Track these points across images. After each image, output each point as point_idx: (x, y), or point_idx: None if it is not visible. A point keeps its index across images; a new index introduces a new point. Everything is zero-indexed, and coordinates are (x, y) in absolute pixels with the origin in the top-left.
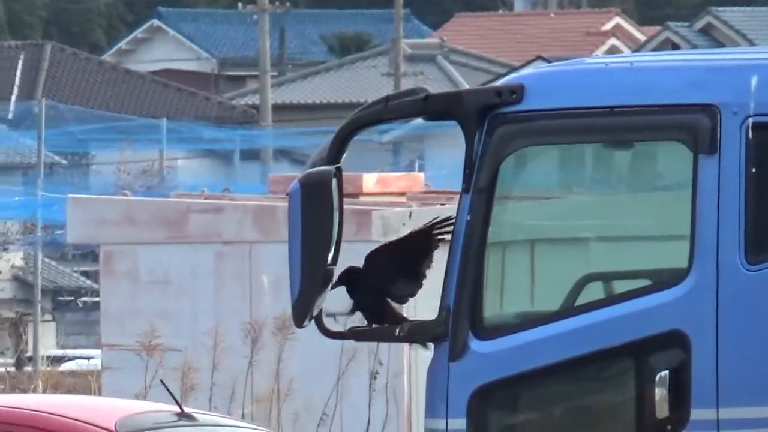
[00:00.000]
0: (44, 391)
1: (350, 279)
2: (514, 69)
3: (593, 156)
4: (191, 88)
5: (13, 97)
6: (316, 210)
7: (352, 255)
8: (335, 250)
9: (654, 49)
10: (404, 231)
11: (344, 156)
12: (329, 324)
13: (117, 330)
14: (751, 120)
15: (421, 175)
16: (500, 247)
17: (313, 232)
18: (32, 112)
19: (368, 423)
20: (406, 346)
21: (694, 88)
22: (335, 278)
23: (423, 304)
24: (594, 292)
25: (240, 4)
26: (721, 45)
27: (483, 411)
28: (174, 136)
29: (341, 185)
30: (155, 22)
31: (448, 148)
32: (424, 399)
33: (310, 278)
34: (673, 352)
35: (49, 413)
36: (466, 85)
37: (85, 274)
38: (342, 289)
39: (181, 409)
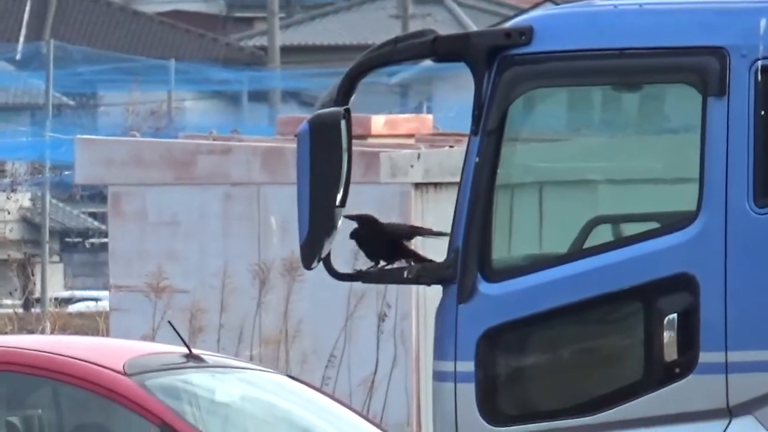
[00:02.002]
0: (52, 333)
1: (366, 226)
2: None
3: (602, 98)
4: (199, 29)
5: (21, 38)
6: (325, 151)
7: (360, 197)
8: (344, 191)
9: None
10: (412, 173)
11: (353, 98)
12: (338, 265)
13: (125, 271)
14: (760, 63)
15: (430, 117)
16: (509, 190)
17: (322, 173)
18: (40, 53)
19: (376, 365)
20: (414, 287)
21: (703, 30)
22: (353, 224)
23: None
24: (602, 234)
25: None
26: None
27: (491, 353)
28: (182, 77)
29: (350, 127)
30: None
31: (456, 90)
32: (433, 341)
33: (319, 220)
34: (681, 295)
35: (57, 354)
36: (474, 28)
37: (93, 215)
38: None
39: (189, 350)
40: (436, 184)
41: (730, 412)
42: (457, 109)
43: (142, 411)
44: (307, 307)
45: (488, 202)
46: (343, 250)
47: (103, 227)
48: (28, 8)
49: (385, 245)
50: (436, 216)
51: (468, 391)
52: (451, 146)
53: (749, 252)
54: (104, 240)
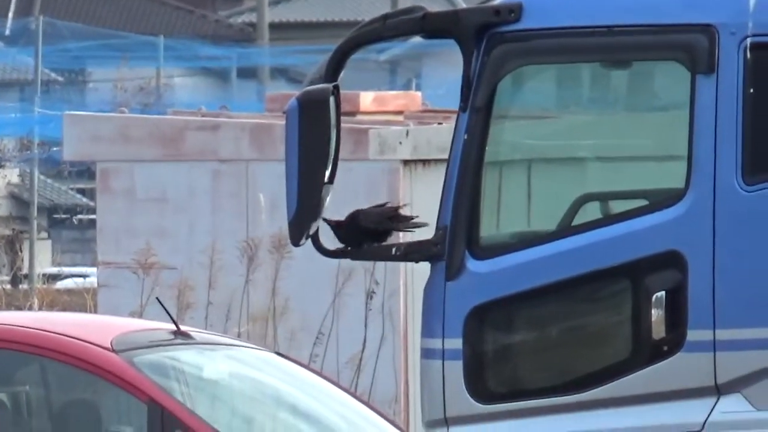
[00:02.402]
0: (40, 309)
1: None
2: None
3: (591, 75)
4: (188, 6)
5: (10, 14)
6: (314, 128)
7: (348, 174)
8: (332, 168)
9: None
10: (401, 150)
11: (342, 74)
12: (326, 242)
13: (113, 248)
14: (749, 40)
15: (419, 94)
16: (497, 167)
17: (310, 150)
18: (29, 29)
19: (364, 342)
20: (402, 265)
21: (692, 7)
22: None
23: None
24: (591, 211)
25: None
26: None
27: (479, 330)
28: (171, 53)
29: (339, 103)
30: None
31: (445, 67)
32: (421, 318)
33: (307, 196)
34: (669, 273)
35: (45, 331)
36: (464, 5)
37: (81, 191)
38: None
39: (177, 327)
40: (424, 161)
41: (718, 390)
42: (446, 86)
43: (129, 388)
44: (295, 284)
45: (476, 180)
46: None
47: (92, 203)
48: None
49: (368, 239)
50: (424, 193)
51: (456, 369)
52: (439, 123)
53: (737, 229)
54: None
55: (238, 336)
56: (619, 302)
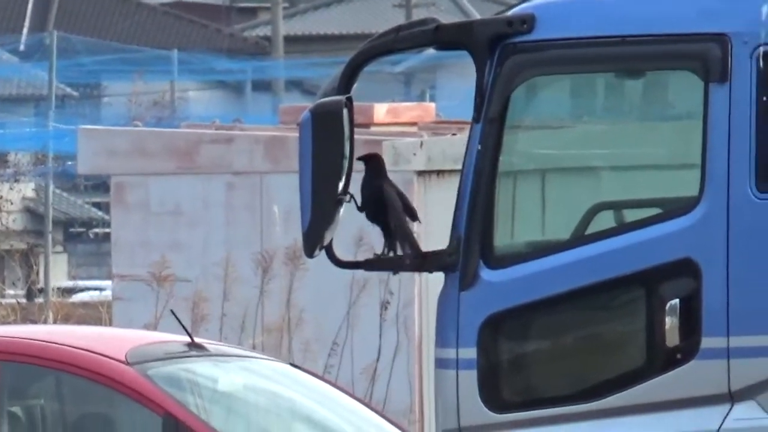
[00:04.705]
0: (55, 322)
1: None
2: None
3: (604, 85)
4: (203, 20)
5: (25, 29)
6: (327, 140)
7: None
8: (346, 180)
9: None
10: (415, 161)
11: (355, 86)
12: (340, 253)
13: (128, 261)
14: (762, 49)
15: (433, 105)
16: (511, 177)
17: (324, 162)
18: (43, 44)
19: (379, 352)
20: (416, 275)
21: (705, 17)
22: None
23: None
24: (605, 220)
25: None
26: None
27: (493, 340)
28: (185, 67)
29: (352, 115)
30: None
31: (459, 78)
32: (435, 328)
33: (321, 208)
34: (683, 281)
35: (59, 344)
36: (477, 16)
37: (96, 205)
38: None
39: (192, 339)
40: (438, 172)
41: (732, 397)
42: (460, 96)
43: (144, 400)
44: (310, 295)
45: (490, 190)
46: (346, 238)
47: (107, 217)
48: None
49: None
50: (439, 204)
51: (470, 378)
52: (453, 134)
53: (751, 237)
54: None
55: (253, 348)
56: (633, 310)
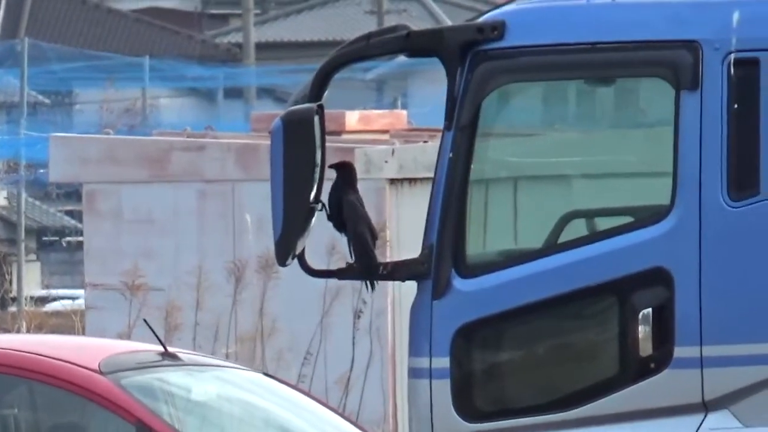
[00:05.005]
0: (28, 332)
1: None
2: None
3: (575, 93)
4: (174, 26)
5: None
6: (298, 148)
7: None
8: (317, 188)
9: None
10: (387, 169)
11: (326, 93)
12: (312, 262)
13: (100, 269)
14: (732, 56)
15: (404, 112)
16: (482, 185)
17: (295, 170)
18: (15, 50)
19: (352, 362)
20: (389, 284)
21: (675, 24)
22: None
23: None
24: (577, 229)
25: None
26: None
27: (466, 349)
28: (157, 74)
29: (323, 122)
30: None
31: (431, 86)
32: (408, 338)
33: (293, 217)
34: (656, 290)
35: (32, 353)
36: (449, 23)
37: (69, 213)
38: None
39: (165, 348)
40: (410, 180)
41: (706, 407)
42: (431, 104)
43: (118, 410)
44: (283, 304)
45: (462, 198)
46: (318, 246)
47: (80, 225)
48: (2, 6)
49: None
50: (411, 211)
51: (443, 388)
52: (425, 141)
53: (723, 246)
54: (81, 238)
55: (226, 357)
56: (605, 319)
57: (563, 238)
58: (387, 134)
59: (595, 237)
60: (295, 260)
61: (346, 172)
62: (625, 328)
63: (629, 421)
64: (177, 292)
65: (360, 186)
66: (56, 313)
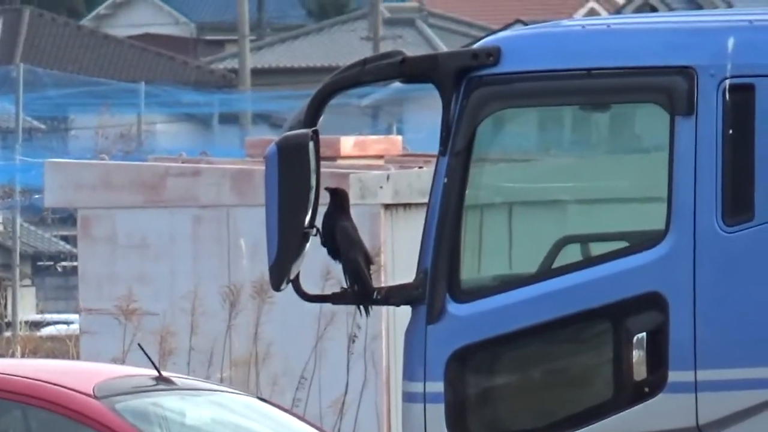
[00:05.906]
0: (23, 356)
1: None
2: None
3: (570, 118)
4: (170, 52)
5: None
6: (293, 173)
7: None
8: (312, 213)
9: (632, 12)
10: (382, 194)
11: (321, 119)
12: (307, 287)
13: (95, 294)
14: (727, 82)
15: (399, 138)
16: (477, 210)
17: (290, 195)
18: (10, 76)
19: (347, 386)
20: (384, 309)
21: (671, 50)
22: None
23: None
24: (571, 254)
25: None
26: (699, 7)
27: (460, 374)
28: (152, 100)
29: (318, 148)
30: None
31: (426, 111)
32: (402, 362)
33: (287, 242)
34: (650, 314)
35: (27, 378)
36: (445, 49)
37: (64, 238)
38: None
39: (159, 373)
40: (405, 205)
41: (700, 431)
42: (427, 130)
43: None
44: (277, 329)
45: (456, 223)
46: (313, 271)
47: (75, 250)
48: None
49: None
50: (405, 237)
51: (437, 412)
52: (420, 167)
53: (718, 271)
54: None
55: (221, 381)
56: (600, 344)
57: (558, 263)
58: (382, 160)
59: (589, 262)
60: (290, 285)
61: (338, 198)
62: (620, 352)
63: None
64: (171, 316)
65: (355, 211)
66: (51, 338)
